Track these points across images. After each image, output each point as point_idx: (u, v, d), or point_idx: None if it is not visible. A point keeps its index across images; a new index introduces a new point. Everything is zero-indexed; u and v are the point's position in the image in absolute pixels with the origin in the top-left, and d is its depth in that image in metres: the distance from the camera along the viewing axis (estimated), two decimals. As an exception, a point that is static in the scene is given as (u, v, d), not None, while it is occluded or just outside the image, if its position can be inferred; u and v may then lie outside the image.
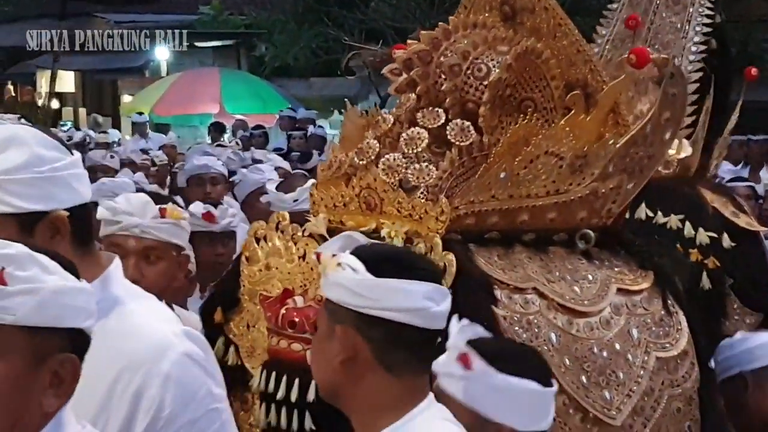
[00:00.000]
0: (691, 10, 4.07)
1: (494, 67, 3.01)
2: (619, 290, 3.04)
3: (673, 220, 3.61)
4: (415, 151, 2.95)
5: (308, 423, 2.68)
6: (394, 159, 2.93)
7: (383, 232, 2.81)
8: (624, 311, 3.02)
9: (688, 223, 3.61)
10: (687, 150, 3.81)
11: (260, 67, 21.77)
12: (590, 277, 3.01)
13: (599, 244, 3.11)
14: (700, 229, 3.61)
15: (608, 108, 3.10)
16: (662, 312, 3.10)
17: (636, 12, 4.03)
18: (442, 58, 3.04)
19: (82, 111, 23.69)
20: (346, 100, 3.49)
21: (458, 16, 3.22)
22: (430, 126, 2.99)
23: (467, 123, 2.97)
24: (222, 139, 14.91)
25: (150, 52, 21.75)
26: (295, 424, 2.71)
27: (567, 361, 2.83)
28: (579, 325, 2.90)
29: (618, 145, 3.01)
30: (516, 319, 2.79)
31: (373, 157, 2.96)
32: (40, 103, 21.31)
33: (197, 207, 4.53)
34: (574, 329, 2.88)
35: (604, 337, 2.93)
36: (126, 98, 22.15)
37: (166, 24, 21.78)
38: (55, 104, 21.62)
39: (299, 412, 2.70)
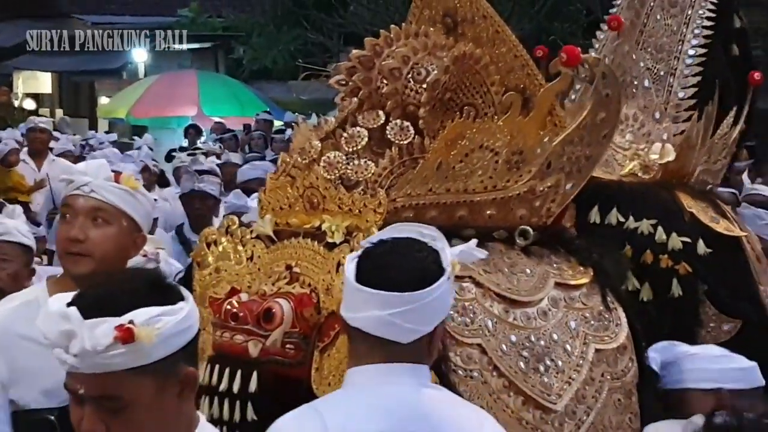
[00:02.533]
0: (689, 12, 4.05)
1: (433, 70, 3.12)
2: (558, 284, 3.13)
3: (645, 225, 3.52)
4: (355, 148, 3.06)
5: (250, 414, 2.75)
6: (335, 156, 3.04)
7: (324, 227, 2.92)
8: (562, 304, 3.11)
9: (660, 228, 3.52)
10: (670, 155, 3.77)
11: (238, 69, 21.79)
12: (528, 271, 3.10)
13: (540, 242, 3.20)
14: (673, 234, 3.52)
15: (545, 109, 3.19)
16: (601, 307, 3.18)
17: (628, 14, 3.99)
18: (383, 63, 3.15)
19: (59, 112, 23.65)
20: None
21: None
22: (370, 126, 3.10)
23: (407, 123, 3.08)
24: (199, 142, 14.97)
25: (128, 54, 21.76)
26: (237, 416, 2.78)
27: (504, 347, 2.92)
28: (516, 314, 2.99)
29: (554, 144, 3.10)
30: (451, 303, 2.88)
31: (315, 156, 3.07)
32: (16, 104, 21.23)
33: None
34: (510, 317, 2.98)
35: (541, 327, 3.02)
36: (103, 100, 22.15)
37: (144, 26, 21.77)
38: (31, 105, 21.54)
39: (241, 403, 2.77)
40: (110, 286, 2.07)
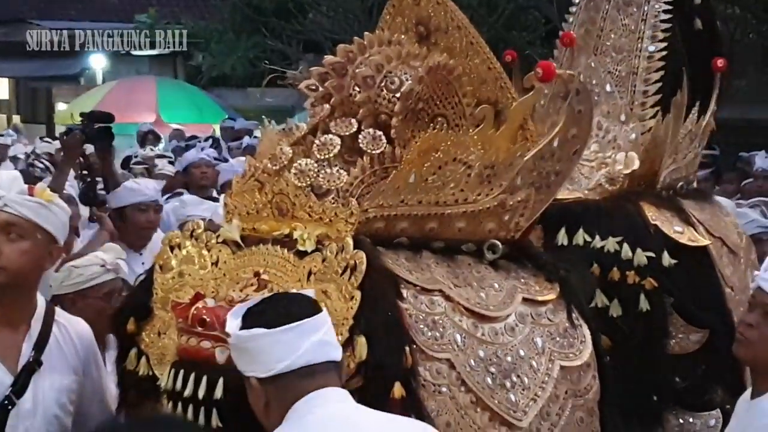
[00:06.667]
0: (646, 8, 4.09)
1: (407, 80, 3.10)
2: (525, 300, 3.12)
3: (611, 243, 3.62)
4: (327, 156, 3.04)
5: (215, 420, 2.71)
6: (306, 164, 3.01)
7: (296, 235, 2.88)
8: (529, 320, 3.10)
9: (626, 245, 3.62)
10: (635, 163, 3.87)
11: (197, 76, 21.70)
12: (497, 285, 3.09)
13: (507, 256, 3.19)
14: (638, 250, 3.61)
15: (517, 123, 3.18)
16: (567, 324, 3.18)
17: (583, 25, 4.06)
18: (356, 71, 3.13)
19: (16, 118, 23.46)
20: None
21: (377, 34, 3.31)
22: (342, 133, 3.07)
23: (379, 132, 3.06)
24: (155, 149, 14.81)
25: (85, 60, 21.59)
26: (201, 422, 2.73)
27: (472, 362, 2.90)
28: (484, 329, 2.97)
29: (525, 158, 3.09)
30: (421, 317, 2.86)
31: (285, 163, 3.04)
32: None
33: None
34: (479, 332, 2.96)
35: (508, 343, 3.01)
36: (61, 106, 21.96)
37: (103, 30, 21.62)
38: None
39: (206, 410, 2.72)
40: None
